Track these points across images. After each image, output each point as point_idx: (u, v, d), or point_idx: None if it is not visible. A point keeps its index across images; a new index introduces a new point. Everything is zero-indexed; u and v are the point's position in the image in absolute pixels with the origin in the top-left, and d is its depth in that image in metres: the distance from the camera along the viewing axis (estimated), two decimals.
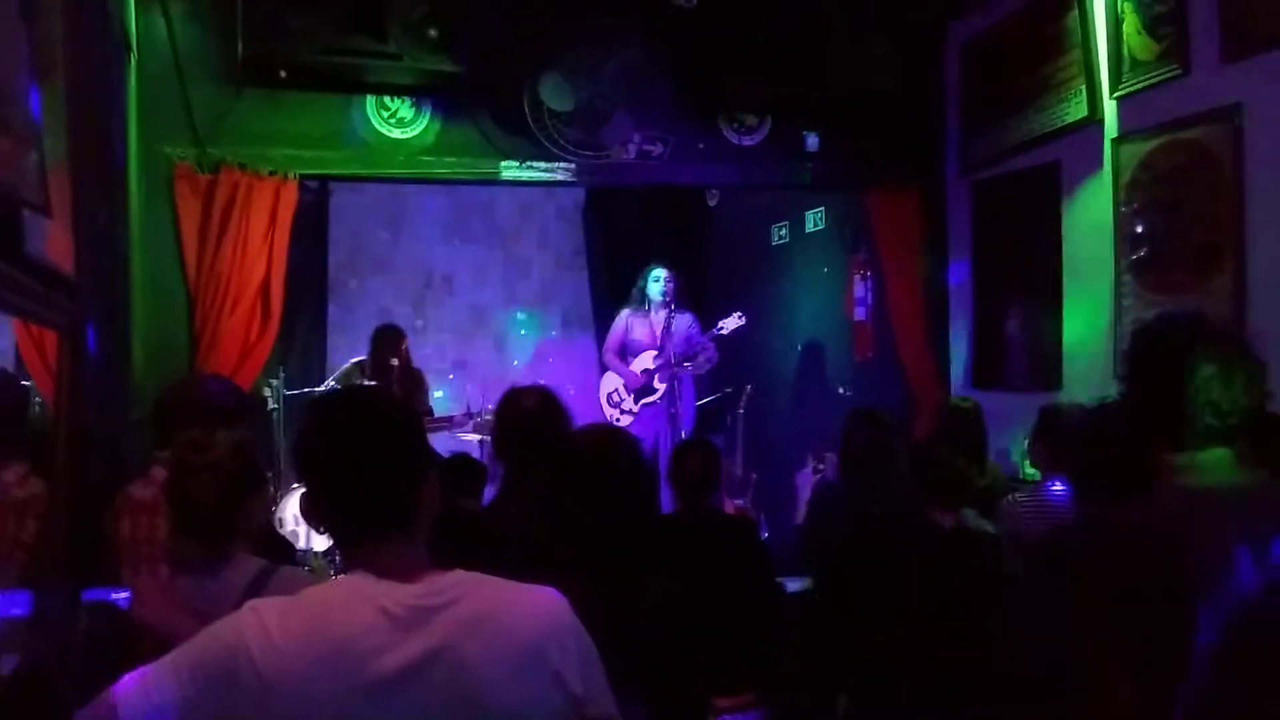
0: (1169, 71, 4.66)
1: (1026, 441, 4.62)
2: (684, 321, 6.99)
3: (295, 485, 5.61)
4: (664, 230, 8.50)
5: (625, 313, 7.19)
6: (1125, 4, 4.89)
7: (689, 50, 5.65)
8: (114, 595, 2.63)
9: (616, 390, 7.16)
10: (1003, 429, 5.01)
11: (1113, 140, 5.02)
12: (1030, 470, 4.71)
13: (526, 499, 2.94)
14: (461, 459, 4.66)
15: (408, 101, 5.60)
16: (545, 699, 1.55)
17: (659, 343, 6.87)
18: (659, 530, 3.87)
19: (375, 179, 6.08)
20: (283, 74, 5.20)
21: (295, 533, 5.65)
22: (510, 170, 5.77)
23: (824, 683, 3.51)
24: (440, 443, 6.25)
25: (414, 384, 6.64)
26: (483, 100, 5.66)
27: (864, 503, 4.03)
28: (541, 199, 8.77)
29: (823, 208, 7.52)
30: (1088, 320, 5.19)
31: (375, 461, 1.55)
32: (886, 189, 6.36)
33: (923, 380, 6.27)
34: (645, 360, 6.99)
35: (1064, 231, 5.38)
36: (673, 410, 6.77)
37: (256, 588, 2.36)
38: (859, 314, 7.04)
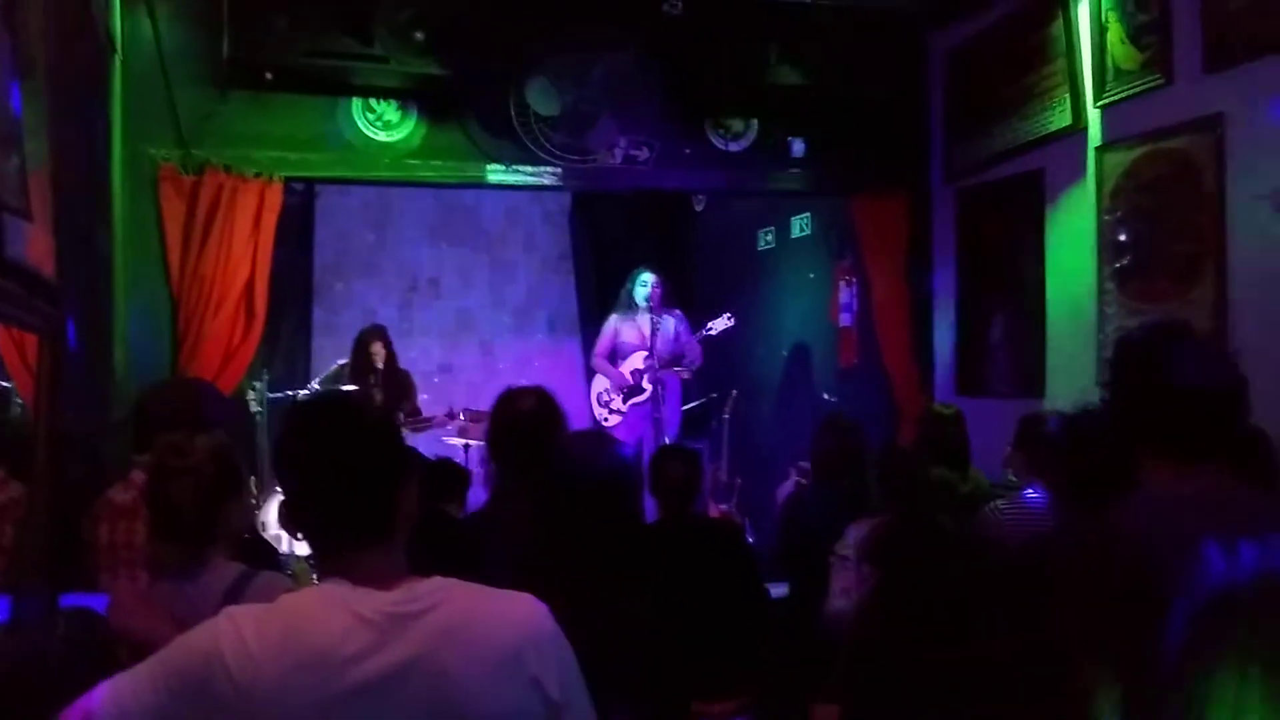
0: (1152, 81, 4.69)
1: (1008, 449, 4.63)
2: (672, 322, 7.00)
3: (278, 489, 5.59)
4: (650, 235, 8.51)
5: (614, 318, 7.20)
6: (1109, 13, 4.91)
7: (675, 56, 5.65)
8: (92, 600, 2.61)
9: (606, 390, 7.17)
10: (986, 436, 5.02)
11: (1096, 149, 5.05)
12: (1013, 478, 4.73)
13: (520, 504, 2.92)
14: (444, 464, 4.65)
15: (394, 104, 5.59)
16: (523, 706, 1.55)
17: (648, 344, 6.88)
18: (645, 538, 3.87)
19: (361, 182, 6.08)
20: (268, 76, 5.19)
21: (278, 536, 5.62)
22: (496, 174, 5.77)
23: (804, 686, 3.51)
24: (425, 446, 6.23)
25: (400, 386, 6.62)
26: (469, 103, 5.66)
27: (835, 513, 4.03)
28: (528, 203, 8.77)
29: (809, 214, 7.54)
30: (1071, 328, 5.21)
31: (352, 469, 1.54)
32: (872, 196, 6.38)
33: (907, 386, 6.29)
34: (635, 361, 7.01)
35: (1047, 239, 5.41)
36: (657, 414, 6.78)
37: (235, 593, 2.35)
38: (844, 320, 7.05)
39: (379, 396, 6.24)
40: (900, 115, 6.27)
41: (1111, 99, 4.94)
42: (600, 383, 7.25)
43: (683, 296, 7.41)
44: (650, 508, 4.06)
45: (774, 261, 8.09)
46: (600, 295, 8.29)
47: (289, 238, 6.59)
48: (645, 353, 6.91)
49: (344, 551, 1.55)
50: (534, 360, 8.80)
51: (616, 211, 8.59)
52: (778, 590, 4.12)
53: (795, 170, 6.29)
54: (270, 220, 5.31)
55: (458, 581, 1.59)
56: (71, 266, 3.02)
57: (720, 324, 6.92)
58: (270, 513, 5.68)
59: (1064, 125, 5.21)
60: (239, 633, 1.44)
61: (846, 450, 4.56)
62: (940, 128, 6.28)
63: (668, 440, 6.71)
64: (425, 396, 7.02)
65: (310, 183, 7.06)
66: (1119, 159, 4.91)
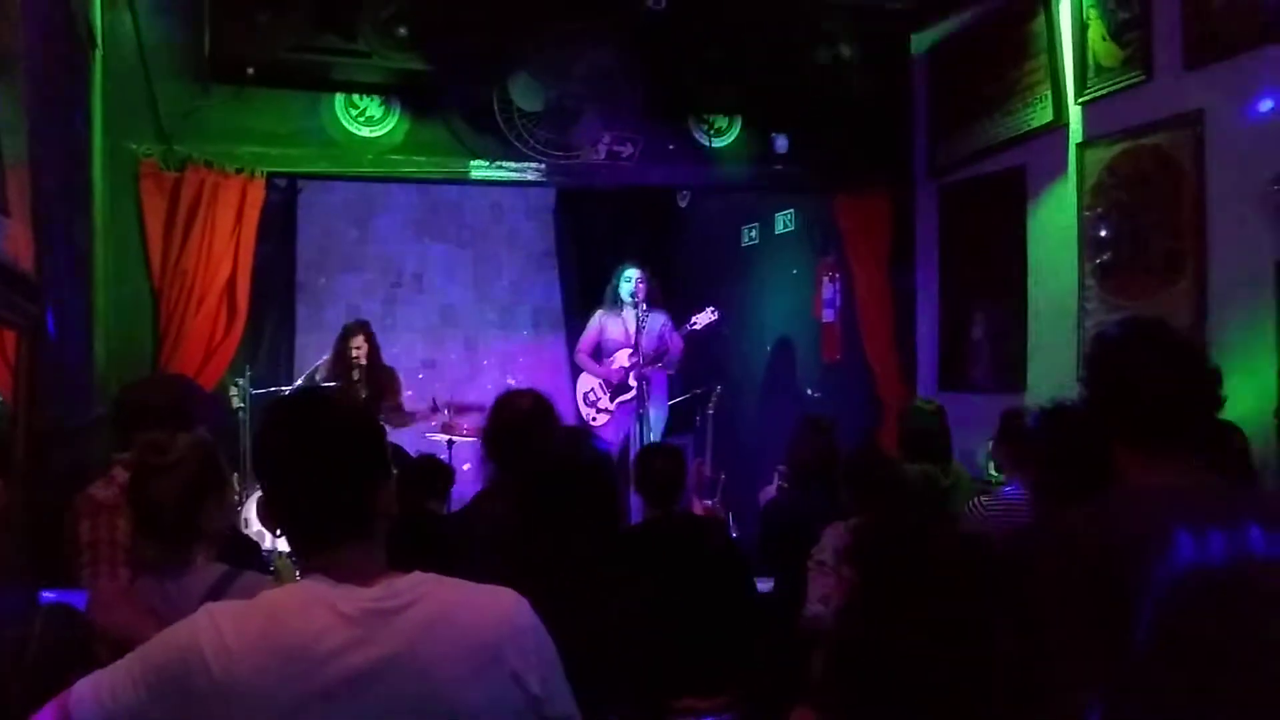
0: (1133, 77, 4.71)
1: (990, 444, 4.66)
2: (658, 320, 7.00)
3: (259, 486, 5.57)
4: (634, 231, 8.50)
5: (599, 314, 7.20)
6: (1091, 10, 4.94)
7: (659, 52, 5.64)
8: (72, 597, 2.60)
9: (593, 389, 7.17)
10: (968, 431, 5.05)
11: (1077, 145, 5.08)
12: (995, 473, 4.76)
13: (502, 501, 2.95)
14: (428, 461, 4.65)
15: (377, 100, 5.57)
16: (504, 699, 1.55)
17: (633, 341, 6.88)
18: (633, 537, 3.88)
19: (344, 177, 6.05)
20: (250, 71, 5.16)
21: (260, 533, 5.60)
22: (480, 170, 5.76)
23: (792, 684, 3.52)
24: (409, 442, 6.23)
25: (383, 382, 6.60)
26: (452, 99, 5.65)
27: (813, 513, 4.05)
28: (512, 198, 8.75)
29: (792, 210, 7.55)
30: (1052, 323, 5.24)
31: (331, 465, 1.54)
32: (855, 192, 6.40)
33: (889, 382, 6.32)
34: (621, 358, 7.01)
35: (1029, 235, 5.44)
36: (641, 410, 6.78)
37: (217, 592, 2.34)
38: (827, 316, 7.07)
39: (362, 393, 6.22)
40: (883, 112, 6.28)
41: (1093, 95, 4.96)
42: (587, 382, 7.24)
43: (667, 292, 7.41)
44: (636, 506, 4.08)
45: (758, 257, 8.10)
46: (585, 291, 8.28)
47: (271, 234, 6.56)
48: (630, 350, 6.91)
49: (324, 548, 1.55)
50: (518, 356, 8.79)
51: (601, 207, 8.58)
52: (763, 586, 4.13)
53: (779, 167, 6.30)
54: (252, 216, 5.29)
55: (437, 576, 1.59)
56: (51, 262, 3.01)
57: (704, 318, 6.93)
58: (252, 510, 5.66)
59: (1045, 122, 5.23)
60: (218, 629, 1.44)
61: (822, 452, 4.58)
62: (923, 124, 6.30)
63: (654, 437, 6.72)
64: (409, 392, 7.00)
65: (293, 178, 7.03)
66: (1100, 155, 4.93)
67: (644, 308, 6.84)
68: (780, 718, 3.50)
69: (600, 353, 7.15)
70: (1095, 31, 4.92)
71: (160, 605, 2.37)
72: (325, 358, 6.60)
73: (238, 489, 5.34)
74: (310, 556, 1.57)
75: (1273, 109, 4.08)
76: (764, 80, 5.87)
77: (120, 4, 5.03)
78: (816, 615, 3.45)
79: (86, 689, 1.46)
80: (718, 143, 6.19)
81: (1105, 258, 4.89)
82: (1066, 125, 5.13)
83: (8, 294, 2.42)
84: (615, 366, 7.03)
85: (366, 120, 5.56)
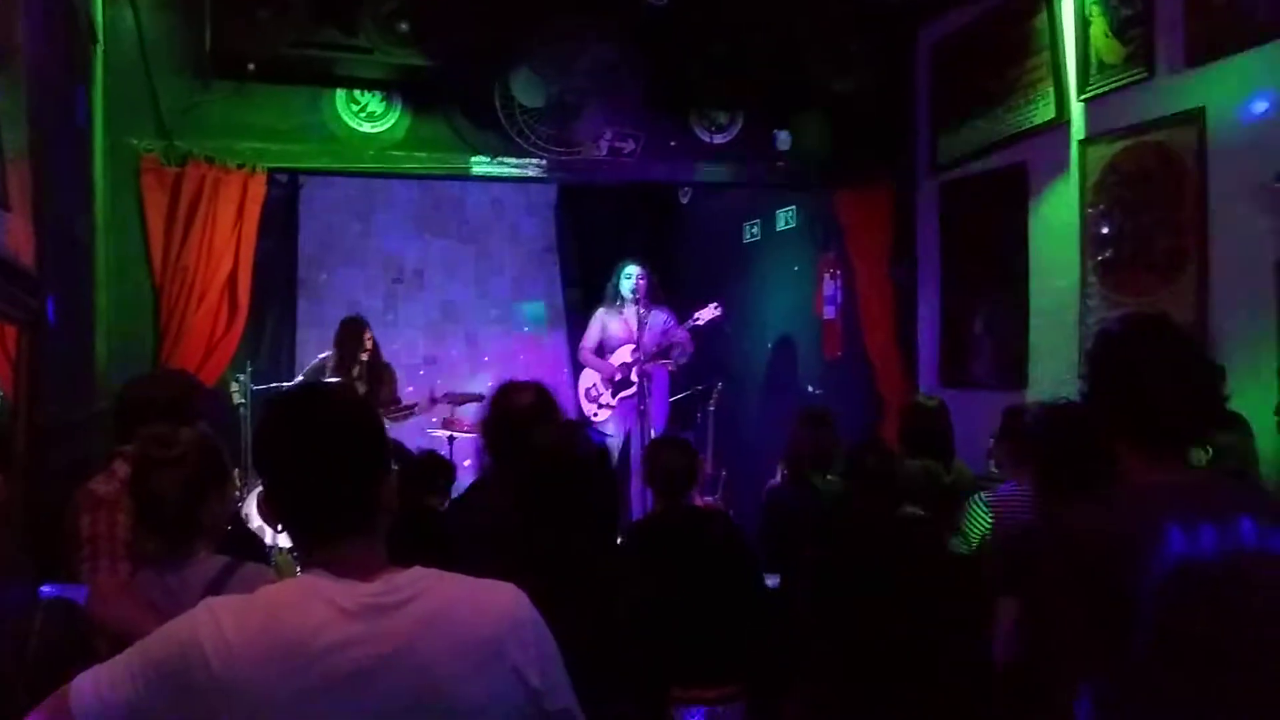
0: (1135, 74, 4.70)
1: (992, 441, 4.65)
2: (660, 317, 7.01)
3: (259, 481, 5.58)
4: (636, 227, 8.51)
5: (600, 311, 7.22)
6: (1093, 6, 4.93)
7: (661, 47, 5.64)
8: (72, 592, 2.60)
9: (594, 385, 7.18)
10: (970, 428, 5.04)
11: (1079, 142, 5.07)
12: (996, 469, 4.75)
13: (497, 493, 2.94)
14: (430, 457, 4.65)
15: (378, 95, 5.56)
16: (504, 694, 1.55)
17: (635, 337, 6.88)
18: (640, 529, 3.88)
19: (345, 173, 6.05)
20: (251, 67, 5.14)
21: (260, 528, 5.61)
22: (481, 166, 5.75)
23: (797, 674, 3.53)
24: (409, 438, 6.23)
25: (381, 376, 6.60)
26: (454, 95, 5.64)
27: (812, 506, 4.05)
28: (513, 194, 8.75)
29: (794, 206, 7.55)
30: (1053, 320, 5.23)
31: (332, 461, 1.54)
32: (856, 188, 6.40)
33: (891, 379, 6.31)
34: (623, 354, 7.02)
35: (1030, 232, 5.43)
36: (642, 406, 6.78)
37: (218, 585, 2.35)
38: (828, 312, 7.07)
39: (362, 388, 6.22)
40: (884, 108, 6.28)
41: (1094, 92, 4.95)
42: (588, 378, 7.26)
43: (668, 289, 7.41)
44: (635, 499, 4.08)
45: (759, 254, 8.10)
46: (586, 288, 8.29)
47: (273, 229, 6.56)
48: (633, 346, 6.91)
49: (324, 542, 1.55)
50: (519, 353, 8.80)
51: (602, 204, 8.59)
52: (771, 581, 4.13)
53: (780, 163, 6.30)
54: (254, 211, 5.28)
55: (438, 572, 1.59)
56: (52, 257, 3.00)
57: (707, 313, 6.93)
58: (252, 504, 5.67)
59: (1047, 118, 5.22)
60: (217, 623, 1.44)
61: (820, 445, 4.59)
62: (924, 121, 6.29)
63: (654, 433, 6.72)
64: (410, 389, 7.01)
65: (294, 174, 7.03)
66: (1102, 152, 4.92)
67: (645, 304, 6.84)
68: (782, 706, 3.53)
69: (603, 349, 7.17)
70: (1097, 28, 4.91)
71: (160, 599, 2.38)
72: (329, 352, 6.60)
73: (238, 484, 5.34)
74: (311, 551, 1.57)
75: (1274, 106, 4.08)
76: (765, 76, 5.86)
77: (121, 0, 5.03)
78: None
79: (86, 683, 1.46)
80: (719, 139, 6.18)
81: (1107, 254, 4.89)
82: (1068, 122, 5.12)
83: (8, 288, 2.42)
84: (617, 363, 7.04)
85: (368, 116, 5.56)
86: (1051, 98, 5.18)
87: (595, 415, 7.12)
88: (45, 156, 2.84)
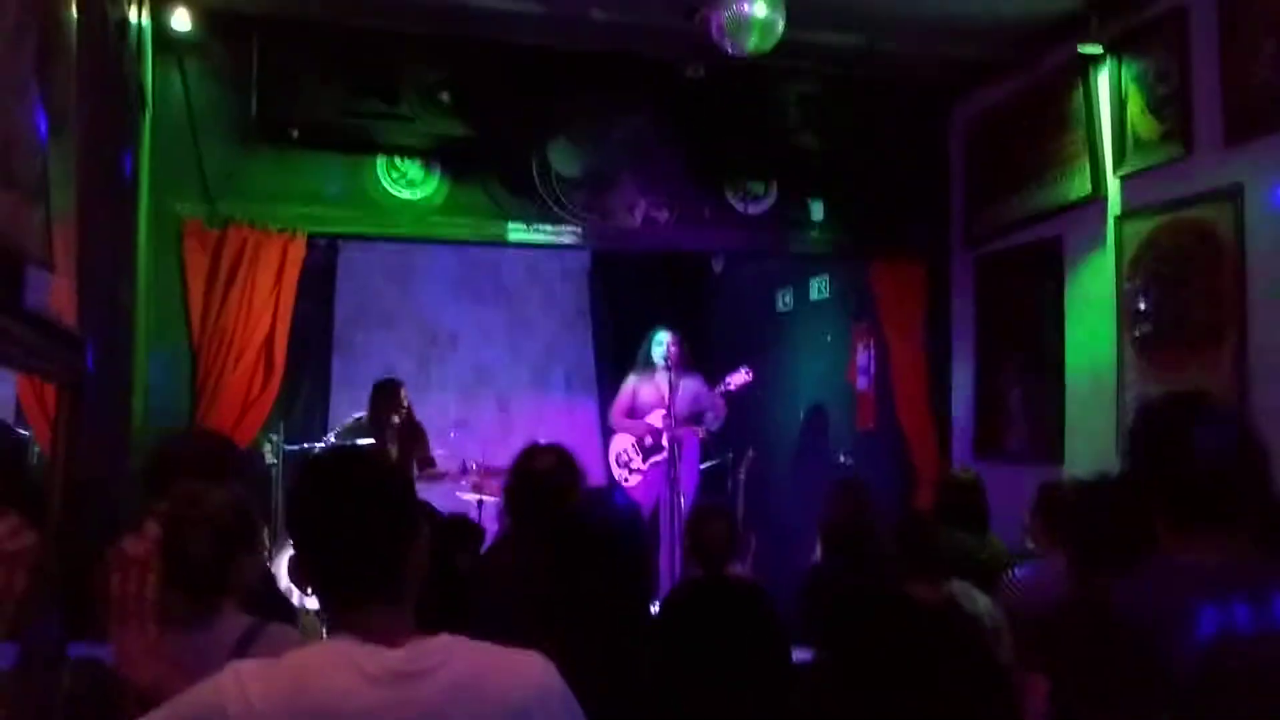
0: (1172, 152, 4.70)
1: (1027, 516, 4.58)
2: (692, 383, 7.00)
3: (290, 542, 5.58)
4: (668, 294, 8.54)
5: (632, 377, 7.22)
6: (1130, 84, 4.95)
7: (696, 118, 5.71)
8: (102, 651, 2.60)
9: (625, 450, 7.16)
10: (1005, 501, 4.98)
11: (1116, 218, 5.06)
12: (1031, 544, 4.68)
13: (523, 555, 2.93)
14: (459, 520, 4.63)
15: (418, 163, 5.65)
16: None
17: (666, 403, 6.87)
18: (679, 597, 3.84)
19: (383, 238, 6.12)
20: (295, 133, 5.26)
21: (288, 589, 5.60)
22: (517, 232, 5.81)
23: None
24: (439, 499, 6.22)
25: (414, 437, 6.62)
26: (492, 163, 5.72)
27: (847, 578, 3.99)
28: (547, 260, 8.81)
29: (827, 276, 7.56)
30: (1090, 395, 5.18)
31: (362, 527, 1.54)
32: (890, 260, 6.40)
33: (924, 451, 6.26)
34: (654, 419, 7.00)
35: (1066, 306, 5.40)
36: (673, 473, 6.75)
37: (244, 646, 2.34)
38: (862, 383, 7.04)
39: (394, 450, 6.24)
40: (920, 181, 6.31)
41: (1131, 169, 4.95)
42: (619, 443, 7.24)
43: (700, 357, 7.41)
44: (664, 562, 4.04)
45: (792, 323, 8.10)
46: (618, 353, 8.30)
47: (310, 292, 6.63)
48: (663, 411, 6.91)
49: (352, 608, 1.55)
50: (550, 417, 8.79)
51: (636, 271, 8.64)
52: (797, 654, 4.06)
53: (814, 233, 6.32)
54: (292, 275, 5.35)
55: (465, 639, 1.58)
56: (93, 317, 3.05)
57: (738, 378, 6.92)
58: (281, 565, 5.66)
59: (1083, 194, 5.22)
60: (243, 688, 1.44)
61: (856, 517, 4.53)
62: (960, 193, 6.31)
63: (684, 499, 6.68)
64: (441, 451, 7.01)
65: (333, 239, 7.13)
66: (1139, 228, 4.91)
67: (676, 371, 6.84)
68: None
69: (634, 415, 7.16)
70: (1134, 105, 4.92)
71: (187, 658, 2.36)
72: (363, 413, 6.63)
73: (267, 544, 5.34)
74: (339, 616, 1.57)
75: None
76: (800, 148, 5.91)
77: (171, 67, 5.16)
78: None
79: None
80: (753, 209, 6.22)
81: (1144, 329, 4.85)
82: (1105, 198, 5.12)
83: (51, 348, 2.45)
84: (647, 426, 7.02)
85: (407, 183, 5.64)
86: (1087, 174, 5.18)
87: (626, 480, 7.10)
88: (91, 219, 2.90)
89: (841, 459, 7.11)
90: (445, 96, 5.23)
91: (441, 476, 6.56)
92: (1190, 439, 1.89)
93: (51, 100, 2.29)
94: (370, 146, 5.55)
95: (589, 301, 9.04)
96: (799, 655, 3.98)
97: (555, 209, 5.66)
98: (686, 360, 7.00)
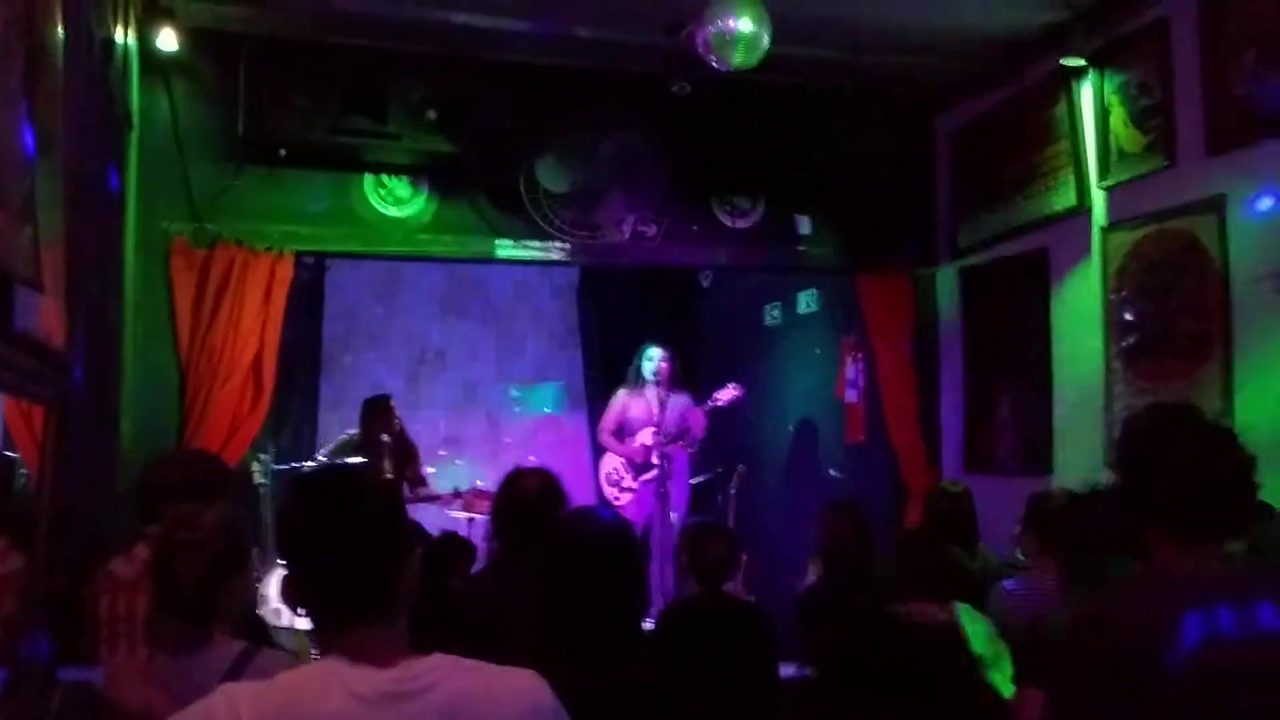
0: (1155, 163, 4.73)
1: (1017, 528, 4.59)
2: (681, 400, 7.00)
3: (280, 563, 5.55)
4: (657, 309, 8.54)
5: (621, 393, 7.21)
6: (1112, 97, 4.99)
7: (683, 134, 5.74)
8: (92, 675, 2.58)
9: (615, 469, 7.14)
10: (994, 514, 4.99)
11: (1101, 229, 5.09)
12: (1021, 557, 4.68)
13: (512, 578, 2.92)
14: (450, 538, 4.63)
15: (405, 180, 5.66)
16: None
17: (656, 419, 6.87)
18: (676, 616, 3.83)
19: (371, 256, 6.12)
20: (282, 152, 5.27)
21: (278, 610, 5.56)
22: (505, 249, 5.82)
23: None
24: (429, 519, 6.20)
25: (407, 454, 6.60)
26: (479, 180, 5.73)
27: (847, 598, 3.99)
28: (536, 277, 8.81)
29: (815, 290, 7.58)
30: (1078, 406, 5.20)
31: (352, 546, 1.53)
32: (878, 273, 6.42)
33: (914, 464, 6.27)
34: (645, 436, 7.00)
35: (1053, 318, 5.43)
36: (663, 489, 6.74)
37: (236, 670, 2.32)
38: (850, 396, 7.04)
39: (388, 466, 6.21)
40: (906, 194, 6.34)
41: (1116, 180, 4.99)
42: (610, 461, 7.22)
43: (689, 372, 7.42)
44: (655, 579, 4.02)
45: (780, 337, 8.12)
46: (607, 370, 8.29)
47: (298, 310, 6.62)
48: (654, 428, 6.90)
49: (343, 628, 1.54)
50: (540, 434, 8.78)
51: (624, 287, 8.64)
52: (786, 670, 4.05)
53: (801, 247, 6.34)
54: (280, 294, 5.34)
55: (457, 659, 1.57)
56: (81, 338, 3.04)
57: (727, 394, 6.92)
58: (271, 586, 5.63)
59: (1068, 206, 5.25)
60: (234, 711, 1.43)
61: (853, 535, 4.51)
62: (946, 206, 6.34)
63: (676, 516, 6.67)
64: (431, 470, 7.00)
65: (321, 257, 7.12)
66: (1124, 239, 4.94)
67: (666, 387, 6.85)
68: None
69: (623, 432, 7.14)
70: (1117, 117, 4.96)
71: (177, 682, 2.34)
72: (354, 430, 6.61)
73: (256, 566, 5.31)
74: (330, 636, 1.56)
75: None
76: (787, 162, 5.94)
77: (158, 86, 5.16)
78: None
79: None
80: (741, 224, 6.24)
81: (1131, 341, 4.87)
82: (1089, 209, 5.15)
83: (39, 369, 2.44)
84: (638, 445, 7.02)
85: (395, 200, 5.64)
86: (1072, 185, 5.21)
87: (617, 499, 7.08)
88: (79, 239, 2.89)
89: (831, 473, 7.11)
90: (432, 114, 5.24)
91: (434, 499, 6.53)
92: (1177, 449, 1.90)
93: (38, 120, 2.28)
94: (358, 165, 5.55)
95: (578, 318, 9.04)
96: (787, 671, 3.98)
97: (543, 225, 5.67)
98: (677, 377, 7.00)
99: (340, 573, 1.53)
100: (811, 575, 4.99)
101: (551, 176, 5.53)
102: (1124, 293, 4.93)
